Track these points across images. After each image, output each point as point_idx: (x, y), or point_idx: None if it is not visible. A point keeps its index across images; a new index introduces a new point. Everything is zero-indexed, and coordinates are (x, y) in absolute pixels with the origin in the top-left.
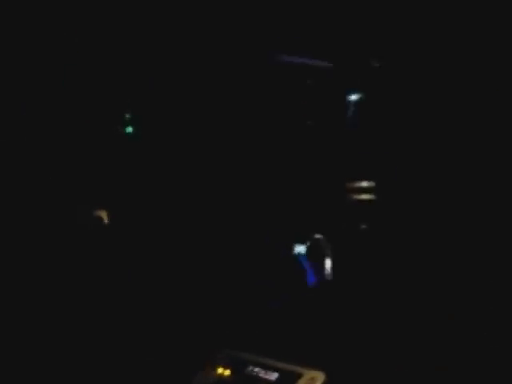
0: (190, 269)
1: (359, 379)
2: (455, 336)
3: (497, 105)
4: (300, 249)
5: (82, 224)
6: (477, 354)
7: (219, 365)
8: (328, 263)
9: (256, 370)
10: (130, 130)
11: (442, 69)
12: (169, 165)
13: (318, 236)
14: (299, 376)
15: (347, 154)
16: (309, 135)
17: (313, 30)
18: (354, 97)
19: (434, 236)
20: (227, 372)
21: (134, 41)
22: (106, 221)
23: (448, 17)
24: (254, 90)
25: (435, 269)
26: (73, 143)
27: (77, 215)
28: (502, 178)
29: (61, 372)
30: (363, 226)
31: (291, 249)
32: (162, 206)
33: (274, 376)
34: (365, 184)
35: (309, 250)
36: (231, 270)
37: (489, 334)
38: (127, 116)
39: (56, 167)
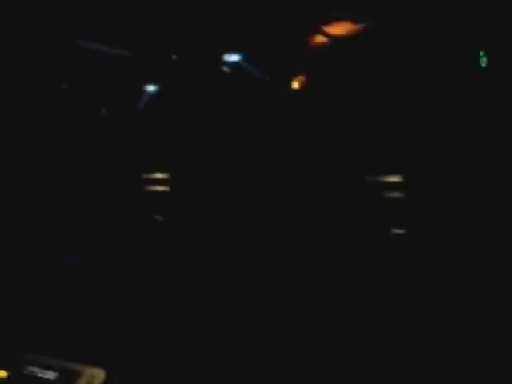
0: None
1: (139, 376)
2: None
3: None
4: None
5: None
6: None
7: None
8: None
9: (35, 369)
10: None
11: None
12: None
13: None
14: (79, 374)
15: (143, 145)
16: (103, 124)
17: (115, 19)
18: (150, 87)
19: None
20: (3, 373)
21: None
22: None
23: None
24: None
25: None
26: None
27: None
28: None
29: None
30: (158, 218)
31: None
32: None
33: (53, 375)
34: (159, 175)
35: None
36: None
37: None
38: None
39: None
